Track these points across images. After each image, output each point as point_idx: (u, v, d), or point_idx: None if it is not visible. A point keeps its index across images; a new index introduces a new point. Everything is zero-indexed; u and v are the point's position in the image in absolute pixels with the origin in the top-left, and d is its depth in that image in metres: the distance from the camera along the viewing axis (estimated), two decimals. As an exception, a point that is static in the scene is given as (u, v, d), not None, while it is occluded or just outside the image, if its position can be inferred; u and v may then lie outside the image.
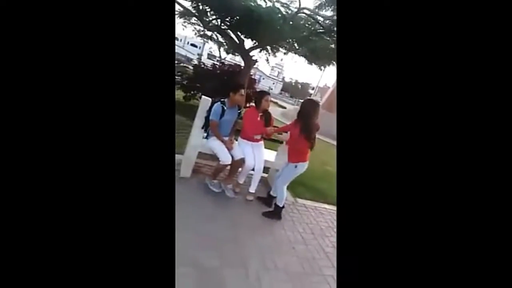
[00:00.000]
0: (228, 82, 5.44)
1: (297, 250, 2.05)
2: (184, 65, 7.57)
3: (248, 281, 1.58)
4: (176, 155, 2.74)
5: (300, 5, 4.67)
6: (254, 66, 6.22)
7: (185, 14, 5.48)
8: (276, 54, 6.08)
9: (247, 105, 6.15)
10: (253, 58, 5.65)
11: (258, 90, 7.22)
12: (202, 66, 6.82)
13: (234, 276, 1.57)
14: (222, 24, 5.23)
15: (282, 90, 48.84)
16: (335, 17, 4.54)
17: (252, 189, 2.61)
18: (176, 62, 6.99)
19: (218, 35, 6.05)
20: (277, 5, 4.56)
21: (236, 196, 2.55)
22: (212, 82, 5.82)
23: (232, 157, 2.45)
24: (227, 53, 6.95)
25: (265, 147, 2.82)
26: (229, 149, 2.46)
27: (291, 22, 4.42)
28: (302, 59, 5.67)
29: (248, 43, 5.50)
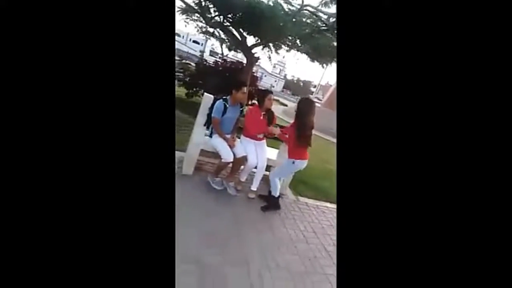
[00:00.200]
0: (230, 79, 5.42)
1: (298, 249, 2.06)
2: (186, 62, 7.56)
3: (249, 279, 1.58)
4: (178, 153, 2.74)
5: (303, 2, 4.64)
6: (256, 63, 6.20)
7: (188, 10, 5.45)
8: (279, 51, 6.05)
9: (249, 102, 6.15)
10: (255, 55, 5.62)
11: (260, 87, 7.20)
12: (205, 63, 6.80)
13: (235, 274, 1.58)
14: (225, 21, 5.20)
15: (284, 87, 48.74)
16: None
17: (254, 187, 2.61)
18: (178, 59, 6.97)
19: (220, 32, 6.02)
20: (280, 1, 4.53)
21: (238, 194, 2.55)
22: (215, 79, 5.81)
23: (234, 154, 2.45)
24: (230, 50, 6.93)
25: (267, 145, 2.82)
26: (231, 146, 2.46)
27: (293, 19, 4.39)
28: (305, 56, 5.64)
29: (251, 40, 5.48)
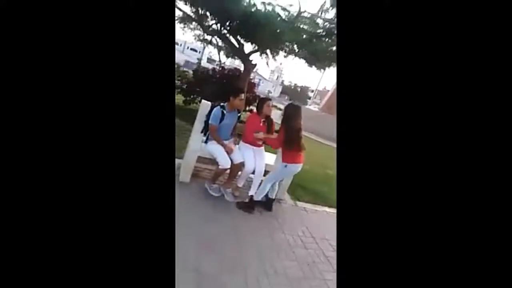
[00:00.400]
0: (227, 86, 5.45)
1: (297, 254, 2.04)
2: (184, 69, 7.61)
3: (247, 285, 1.57)
4: (175, 160, 2.74)
5: (300, 8, 4.70)
6: (254, 70, 6.25)
7: (185, 19, 5.52)
8: (276, 57, 6.11)
9: (247, 108, 6.17)
10: (253, 62, 5.67)
11: (257, 93, 7.24)
12: (202, 70, 6.85)
13: (233, 281, 1.56)
14: (222, 29, 5.27)
15: (281, 93, 48.97)
16: (334, 20, 4.57)
17: (252, 193, 2.60)
18: (175, 66, 7.02)
19: (217, 39, 6.08)
20: (277, 9, 4.59)
21: (236, 200, 2.55)
22: (212, 86, 5.84)
23: (232, 161, 2.45)
24: (227, 57, 6.99)
25: (265, 151, 2.83)
26: (229, 152, 2.46)
27: (290, 26, 4.44)
28: (302, 61, 5.70)
29: (248, 47, 5.54)
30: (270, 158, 2.92)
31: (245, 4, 4.29)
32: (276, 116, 2.86)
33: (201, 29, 5.66)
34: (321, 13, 4.74)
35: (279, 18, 4.38)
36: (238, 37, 5.23)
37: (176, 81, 6.40)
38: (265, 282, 1.64)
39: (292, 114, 2.36)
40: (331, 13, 4.69)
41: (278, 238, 2.19)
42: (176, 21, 5.54)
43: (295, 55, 5.52)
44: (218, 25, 5.21)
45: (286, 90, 50.84)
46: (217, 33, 5.41)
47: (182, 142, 3.11)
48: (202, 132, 2.55)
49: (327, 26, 4.69)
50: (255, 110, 2.75)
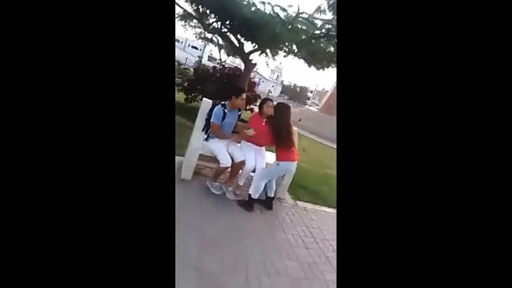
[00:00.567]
0: (228, 85, 5.45)
1: (297, 254, 2.04)
2: (185, 67, 7.59)
3: (248, 285, 1.56)
4: (177, 157, 2.73)
5: (299, 9, 4.71)
6: (254, 69, 6.25)
7: (186, 17, 5.51)
8: (276, 57, 6.11)
9: (247, 107, 6.17)
10: (253, 61, 5.67)
11: (257, 93, 7.24)
12: (203, 68, 6.84)
13: (234, 280, 1.56)
14: (223, 27, 5.26)
15: (281, 92, 49.01)
16: (333, 21, 4.58)
17: (251, 191, 2.60)
18: (176, 64, 7.01)
19: (218, 37, 6.08)
20: (277, 9, 4.60)
21: (237, 198, 2.54)
22: (213, 84, 5.83)
23: (233, 159, 2.45)
24: (228, 55, 6.99)
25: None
26: (238, 142, 2.50)
27: (290, 26, 4.44)
28: (301, 61, 5.71)
29: (248, 46, 5.54)
30: (271, 157, 2.91)
31: (245, 3, 4.29)
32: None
33: (202, 27, 5.65)
34: (319, 14, 4.75)
35: (278, 19, 4.38)
36: (239, 36, 5.23)
37: (177, 79, 6.39)
38: (266, 281, 1.63)
39: (279, 111, 2.40)
40: (329, 14, 4.70)
41: (279, 238, 2.19)
42: (177, 19, 5.53)
43: (295, 55, 5.54)
44: (219, 23, 5.21)
45: (286, 90, 50.90)
46: (218, 31, 5.40)
47: (183, 140, 3.10)
48: (203, 130, 2.54)
49: (326, 27, 4.70)
50: (255, 109, 2.75)
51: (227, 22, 5.01)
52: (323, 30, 4.78)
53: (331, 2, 4.50)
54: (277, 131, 2.35)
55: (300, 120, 10.24)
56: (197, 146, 2.55)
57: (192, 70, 6.95)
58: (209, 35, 6.21)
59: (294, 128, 3.11)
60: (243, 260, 1.74)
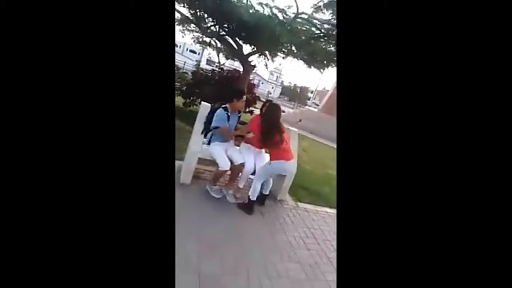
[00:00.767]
0: (227, 88, 5.46)
1: (299, 256, 2.03)
2: (184, 71, 7.61)
3: (250, 287, 1.56)
4: (176, 161, 2.73)
5: (297, 10, 4.71)
6: (253, 71, 6.26)
7: (184, 21, 5.53)
8: (275, 58, 6.12)
9: (246, 109, 6.17)
10: (252, 63, 5.68)
11: (257, 94, 7.24)
12: (201, 72, 6.86)
13: (235, 282, 1.55)
14: (221, 31, 5.27)
15: (281, 94, 49.05)
16: (332, 21, 4.58)
17: (250, 193, 2.60)
18: (175, 68, 7.03)
19: (217, 41, 6.09)
20: (275, 10, 4.61)
21: (237, 201, 2.54)
22: (212, 88, 5.84)
23: (232, 162, 2.45)
24: (226, 58, 7.00)
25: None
26: (237, 145, 2.54)
27: (288, 27, 4.45)
28: (301, 62, 5.71)
29: (247, 48, 5.55)
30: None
31: (243, 5, 4.30)
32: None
33: (199, 31, 5.67)
34: (318, 14, 4.75)
35: (277, 20, 4.38)
36: (237, 38, 5.24)
37: (176, 83, 6.40)
38: (267, 283, 1.63)
39: (268, 110, 2.44)
40: (327, 14, 4.70)
41: (280, 240, 2.18)
42: (175, 23, 5.55)
43: (294, 56, 5.54)
44: (217, 27, 5.22)
45: (286, 91, 50.94)
46: (216, 34, 5.41)
47: (182, 144, 3.10)
48: (202, 133, 2.55)
49: (325, 27, 4.71)
50: (255, 111, 2.76)
51: (225, 25, 5.02)
52: (323, 30, 4.78)
53: (330, 1, 4.51)
54: (266, 130, 2.37)
55: (300, 120, 10.28)
56: (196, 150, 2.55)
57: (190, 74, 6.97)
58: (207, 39, 6.23)
59: (295, 129, 3.12)
60: (243, 263, 1.74)
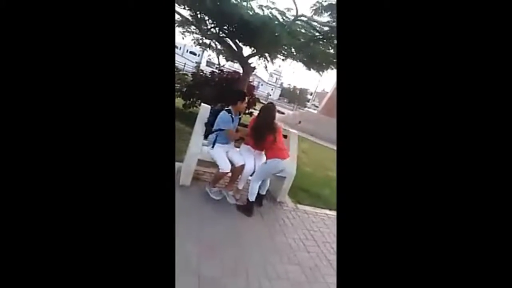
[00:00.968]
0: (227, 89, 5.47)
1: (299, 258, 2.03)
2: (183, 72, 7.62)
3: (250, 290, 1.55)
4: (176, 163, 2.73)
5: (297, 12, 4.73)
6: (253, 73, 6.27)
7: (184, 23, 5.55)
8: (274, 60, 6.14)
9: (246, 111, 6.17)
10: (252, 65, 5.70)
11: (257, 96, 7.25)
12: (201, 73, 6.87)
13: (235, 285, 1.55)
14: (221, 32, 5.29)
15: (280, 95, 49.08)
16: (331, 23, 4.61)
17: (249, 195, 2.59)
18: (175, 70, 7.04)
19: (216, 43, 6.11)
20: (275, 13, 4.63)
21: (237, 203, 2.54)
22: (212, 89, 5.85)
23: (233, 164, 2.45)
24: (226, 60, 7.02)
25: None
26: (237, 147, 2.56)
27: (288, 29, 4.47)
28: (300, 64, 5.72)
29: (247, 50, 5.57)
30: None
31: (243, 8, 4.32)
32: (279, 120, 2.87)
33: (200, 32, 5.69)
34: (318, 16, 4.77)
35: (276, 22, 4.40)
36: (237, 40, 5.26)
37: (176, 85, 6.40)
38: (266, 285, 1.62)
39: (262, 110, 2.49)
40: (326, 16, 4.73)
41: (280, 242, 2.18)
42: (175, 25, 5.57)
43: (293, 58, 5.56)
44: (217, 28, 5.24)
45: (285, 93, 50.99)
46: (216, 36, 5.43)
47: (182, 145, 3.10)
48: (203, 135, 2.56)
49: (324, 30, 4.73)
50: (254, 113, 2.77)
51: (225, 27, 5.04)
52: (322, 32, 4.81)
53: (330, 3, 4.54)
54: (259, 129, 2.40)
55: (300, 122, 10.29)
56: (196, 152, 2.55)
57: (190, 75, 6.97)
58: (207, 41, 6.25)
59: (295, 131, 3.12)
60: (243, 265, 1.73)
